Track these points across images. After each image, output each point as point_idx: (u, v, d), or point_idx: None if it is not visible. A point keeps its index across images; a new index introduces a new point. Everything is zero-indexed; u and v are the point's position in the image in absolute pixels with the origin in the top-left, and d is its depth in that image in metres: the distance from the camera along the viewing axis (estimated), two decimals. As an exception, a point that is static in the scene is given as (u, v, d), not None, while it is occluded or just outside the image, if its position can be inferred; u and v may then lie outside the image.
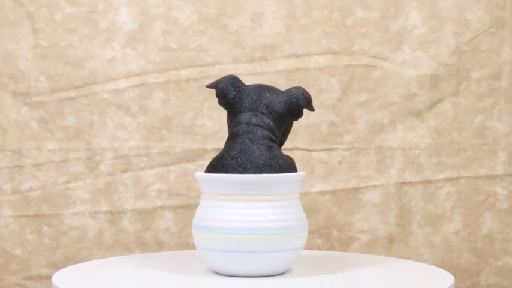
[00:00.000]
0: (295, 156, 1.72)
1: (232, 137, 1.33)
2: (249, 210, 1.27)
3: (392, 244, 1.73)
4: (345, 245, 1.74)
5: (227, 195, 1.28)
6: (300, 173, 1.32)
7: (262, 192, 1.28)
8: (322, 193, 1.73)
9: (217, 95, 1.36)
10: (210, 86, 1.37)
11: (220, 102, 1.37)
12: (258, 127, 1.32)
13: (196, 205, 1.72)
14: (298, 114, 1.37)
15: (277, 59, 1.72)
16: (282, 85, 1.72)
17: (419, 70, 1.72)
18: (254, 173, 1.29)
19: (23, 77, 1.71)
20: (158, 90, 1.72)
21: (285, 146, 1.71)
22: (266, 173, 1.30)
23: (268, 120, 1.34)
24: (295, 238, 1.29)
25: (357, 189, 1.73)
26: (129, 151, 1.73)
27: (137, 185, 1.73)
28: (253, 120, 1.33)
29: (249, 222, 1.27)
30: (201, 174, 1.32)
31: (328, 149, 1.73)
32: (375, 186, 1.73)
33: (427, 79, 1.72)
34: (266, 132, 1.33)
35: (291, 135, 1.73)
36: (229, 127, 1.36)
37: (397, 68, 1.72)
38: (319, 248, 1.73)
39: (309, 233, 1.72)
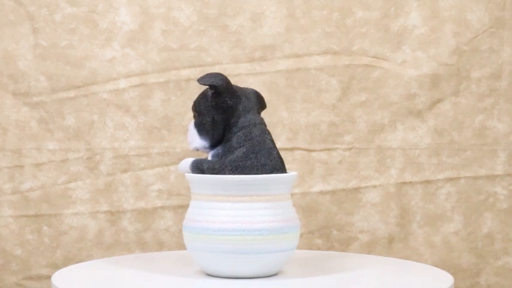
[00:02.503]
0: (295, 156, 1.72)
1: (253, 137, 1.31)
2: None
3: (392, 244, 1.73)
4: (345, 245, 1.74)
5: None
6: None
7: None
8: (322, 193, 1.73)
9: (220, 94, 1.32)
10: (210, 83, 1.31)
11: (221, 101, 1.32)
12: (266, 128, 1.34)
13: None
14: None
15: (277, 59, 1.72)
16: (282, 85, 1.72)
17: (419, 70, 1.72)
18: (283, 172, 1.31)
19: (23, 77, 1.72)
20: (158, 90, 1.72)
21: (285, 146, 1.71)
22: (286, 172, 1.32)
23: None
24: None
25: (357, 189, 1.73)
26: (129, 151, 1.73)
27: (137, 185, 1.73)
28: (262, 121, 1.34)
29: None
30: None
31: (328, 149, 1.73)
32: (375, 186, 1.73)
33: (427, 79, 1.72)
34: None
35: (290, 134, 1.73)
36: (224, 126, 1.33)
37: (397, 68, 1.72)
38: (319, 248, 1.73)
39: (309, 233, 1.72)
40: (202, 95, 1.35)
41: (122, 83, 1.72)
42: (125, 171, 1.73)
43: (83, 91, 1.72)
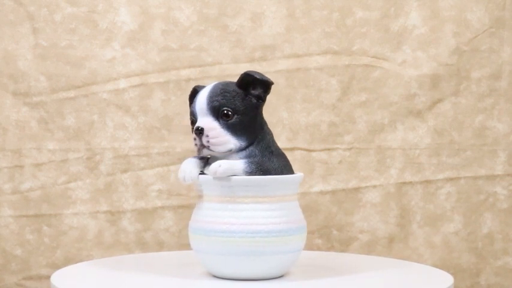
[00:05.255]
0: (295, 156, 1.72)
1: (274, 138, 1.33)
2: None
3: (392, 244, 1.73)
4: (345, 245, 1.74)
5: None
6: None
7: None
8: (322, 193, 1.73)
9: (268, 93, 1.32)
10: (271, 81, 1.31)
11: (265, 100, 1.32)
12: None
13: (196, 205, 1.72)
14: None
15: (277, 59, 1.72)
16: (282, 85, 1.72)
17: (419, 70, 1.72)
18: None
19: (23, 77, 1.72)
20: (158, 90, 1.72)
21: (285, 146, 1.71)
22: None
23: None
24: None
25: (357, 189, 1.73)
26: (129, 151, 1.73)
27: (137, 185, 1.73)
28: None
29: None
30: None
31: (328, 149, 1.73)
32: (375, 186, 1.73)
33: (427, 79, 1.72)
34: None
35: (290, 134, 1.73)
36: (259, 122, 1.32)
37: (397, 68, 1.72)
38: (319, 248, 1.73)
39: (309, 233, 1.72)
40: (234, 93, 1.30)
41: (122, 83, 1.72)
42: (125, 171, 1.73)
43: (83, 91, 1.72)
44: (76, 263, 1.68)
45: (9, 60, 1.71)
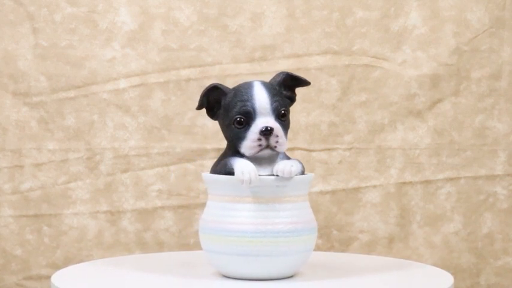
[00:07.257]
0: (295, 156, 1.72)
1: None
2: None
3: (392, 244, 1.73)
4: (345, 245, 1.74)
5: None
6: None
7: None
8: (322, 193, 1.73)
9: None
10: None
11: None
12: None
13: (196, 205, 1.72)
14: None
15: (277, 59, 1.72)
16: (282, 85, 1.72)
17: (419, 70, 1.72)
18: None
19: (23, 77, 1.72)
20: (158, 90, 1.72)
21: (285, 146, 1.71)
22: None
23: None
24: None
25: (357, 189, 1.73)
26: (129, 151, 1.73)
27: (137, 185, 1.73)
28: None
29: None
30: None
31: (328, 149, 1.73)
32: (375, 186, 1.73)
33: (427, 79, 1.72)
34: None
35: (290, 135, 1.73)
36: None
37: (397, 68, 1.72)
38: (319, 248, 1.73)
39: (309, 233, 1.72)
40: (281, 94, 1.31)
41: (122, 83, 1.72)
42: (125, 171, 1.73)
43: (83, 91, 1.72)
44: (76, 263, 1.68)
45: (9, 60, 1.71)
